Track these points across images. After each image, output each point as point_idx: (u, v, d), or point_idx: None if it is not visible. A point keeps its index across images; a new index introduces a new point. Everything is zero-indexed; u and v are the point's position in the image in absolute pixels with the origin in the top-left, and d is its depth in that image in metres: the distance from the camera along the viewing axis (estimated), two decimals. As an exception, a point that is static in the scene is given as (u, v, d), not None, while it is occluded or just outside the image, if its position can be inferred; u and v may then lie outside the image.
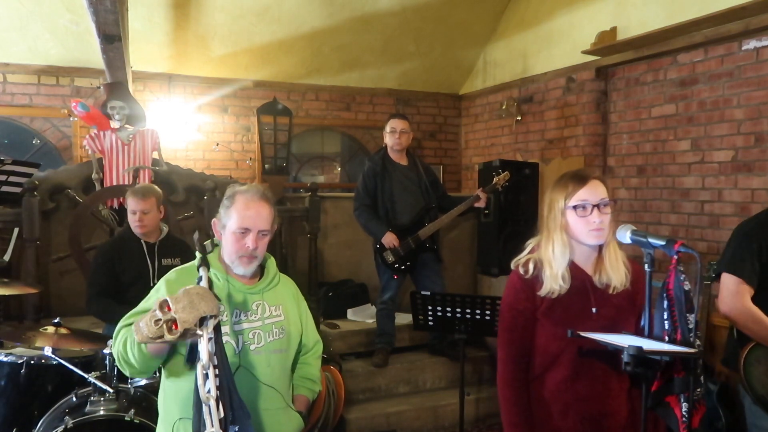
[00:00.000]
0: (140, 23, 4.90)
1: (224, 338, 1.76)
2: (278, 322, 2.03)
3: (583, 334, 1.74)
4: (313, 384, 2.20)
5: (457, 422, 3.53)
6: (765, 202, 3.76)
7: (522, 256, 1.96)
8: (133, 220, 3.32)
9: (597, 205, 1.83)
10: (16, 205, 4.03)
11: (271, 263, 2.13)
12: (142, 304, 1.90)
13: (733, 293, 1.72)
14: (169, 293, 1.83)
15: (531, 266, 1.90)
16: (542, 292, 1.87)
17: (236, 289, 1.96)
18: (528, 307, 1.90)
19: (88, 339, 2.82)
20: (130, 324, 1.78)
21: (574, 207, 1.84)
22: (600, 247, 1.90)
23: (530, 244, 1.99)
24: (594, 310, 1.88)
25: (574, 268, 1.89)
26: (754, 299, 2.34)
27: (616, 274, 1.88)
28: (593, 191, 1.84)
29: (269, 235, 1.98)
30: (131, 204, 3.33)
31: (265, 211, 1.96)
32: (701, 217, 4.19)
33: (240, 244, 1.92)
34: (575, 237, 1.88)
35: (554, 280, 1.85)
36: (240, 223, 1.91)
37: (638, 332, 1.86)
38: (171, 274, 1.98)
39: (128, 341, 1.75)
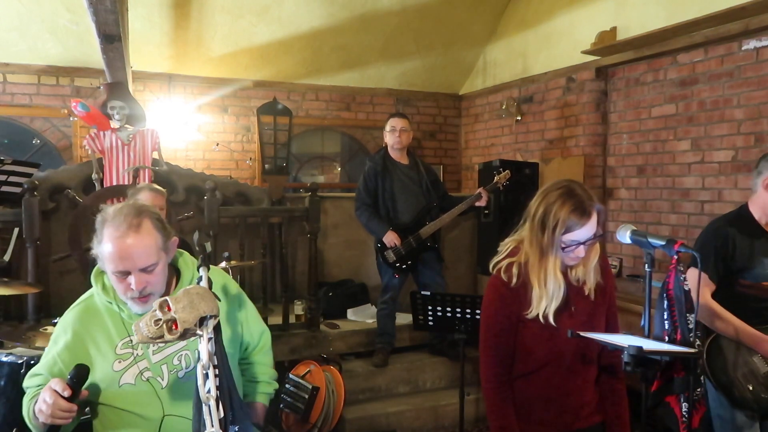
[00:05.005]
0: (140, 23, 4.91)
1: (146, 375, 1.69)
2: None
3: (583, 334, 1.74)
4: (266, 385, 1.98)
5: (457, 422, 3.53)
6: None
7: (501, 259, 1.92)
8: None
9: (585, 242, 1.79)
10: (16, 205, 4.03)
11: (184, 263, 1.82)
12: (43, 360, 1.75)
13: (694, 287, 1.78)
14: (74, 339, 1.72)
15: (515, 271, 1.87)
16: (530, 315, 1.84)
17: (141, 315, 1.62)
18: (514, 311, 1.89)
19: (88, 339, 2.81)
20: (37, 386, 1.72)
21: (563, 247, 1.80)
22: None
23: (508, 245, 1.95)
24: (573, 308, 1.89)
25: None
26: (718, 294, 2.45)
27: (593, 273, 1.88)
28: (587, 230, 1.78)
29: (160, 263, 1.65)
30: (149, 199, 3.29)
31: (142, 243, 1.60)
32: (701, 217, 4.18)
33: (125, 286, 1.63)
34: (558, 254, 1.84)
35: (545, 303, 1.82)
36: (114, 267, 1.61)
37: (638, 332, 1.87)
38: (68, 316, 1.75)
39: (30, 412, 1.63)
